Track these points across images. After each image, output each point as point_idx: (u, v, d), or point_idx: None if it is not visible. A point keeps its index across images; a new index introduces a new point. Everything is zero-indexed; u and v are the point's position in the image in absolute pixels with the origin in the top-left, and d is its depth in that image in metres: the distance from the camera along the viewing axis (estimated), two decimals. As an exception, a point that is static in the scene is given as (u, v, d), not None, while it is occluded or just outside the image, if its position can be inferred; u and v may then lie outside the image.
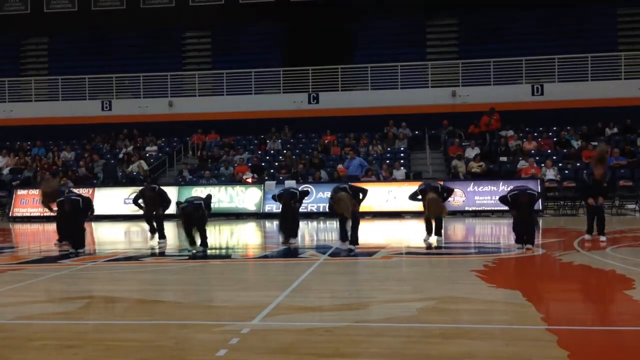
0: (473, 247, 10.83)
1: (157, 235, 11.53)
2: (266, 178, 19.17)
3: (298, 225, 11.25)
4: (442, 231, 10.75)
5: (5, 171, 21.71)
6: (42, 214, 17.94)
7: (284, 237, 10.80)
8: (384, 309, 5.53)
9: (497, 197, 11.19)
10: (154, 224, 11.67)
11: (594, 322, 5.16)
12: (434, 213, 10.12)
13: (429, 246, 10.16)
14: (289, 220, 10.97)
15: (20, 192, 19.26)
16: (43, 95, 26.08)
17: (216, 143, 23.16)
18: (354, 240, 9.84)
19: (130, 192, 18.00)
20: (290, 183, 16.89)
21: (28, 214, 18.77)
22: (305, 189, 14.08)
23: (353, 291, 6.54)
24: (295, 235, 11.00)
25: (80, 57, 27.36)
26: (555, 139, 21.10)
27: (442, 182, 13.10)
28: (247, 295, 6.43)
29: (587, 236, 10.49)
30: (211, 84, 25.64)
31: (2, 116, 24.76)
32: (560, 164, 19.07)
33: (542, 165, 18.59)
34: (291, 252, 9.97)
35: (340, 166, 19.50)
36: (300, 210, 17.37)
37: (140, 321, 5.30)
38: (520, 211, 9.30)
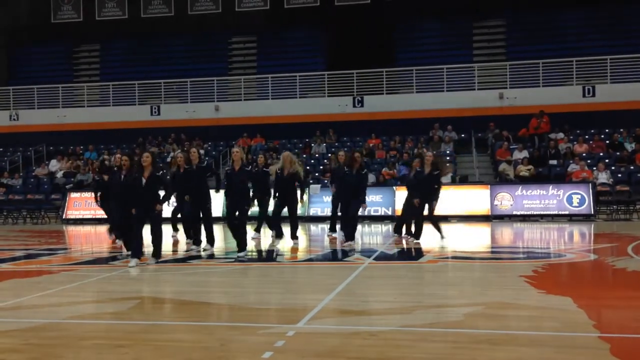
0: (521, 252, 10.60)
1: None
2: (311, 182, 19.18)
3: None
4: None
5: (59, 175, 22.42)
6: (94, 217, 18.51)
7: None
8: (429, 314, 5.47)
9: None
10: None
11: (649, 330, 4.98)
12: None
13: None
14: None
15: (74, 195, 19.83)
16: (95, 101, 26.84)
17: (261, 147, 23.35)
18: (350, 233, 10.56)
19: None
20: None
21: (81, 217, 19.31)
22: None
23: (398, 295, 6.50)
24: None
25: (130, 63, 28.08)
26: (607, 142, 20.50)
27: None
28: (293, 298, 6.45)
29: None
30: (256, 88, 25.92)
31: (56, 121, 25.58)
32: (612, 167, 18.51)
33: (594, 168, 18.08)
34: (336, 256, 9.98)
35: (385, 169, 19.41)
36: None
37: (187, 322, 5.39)
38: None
